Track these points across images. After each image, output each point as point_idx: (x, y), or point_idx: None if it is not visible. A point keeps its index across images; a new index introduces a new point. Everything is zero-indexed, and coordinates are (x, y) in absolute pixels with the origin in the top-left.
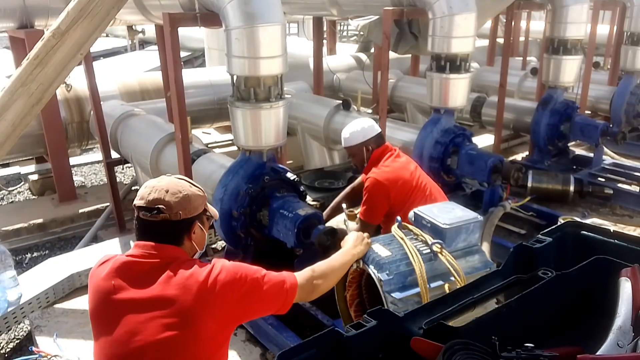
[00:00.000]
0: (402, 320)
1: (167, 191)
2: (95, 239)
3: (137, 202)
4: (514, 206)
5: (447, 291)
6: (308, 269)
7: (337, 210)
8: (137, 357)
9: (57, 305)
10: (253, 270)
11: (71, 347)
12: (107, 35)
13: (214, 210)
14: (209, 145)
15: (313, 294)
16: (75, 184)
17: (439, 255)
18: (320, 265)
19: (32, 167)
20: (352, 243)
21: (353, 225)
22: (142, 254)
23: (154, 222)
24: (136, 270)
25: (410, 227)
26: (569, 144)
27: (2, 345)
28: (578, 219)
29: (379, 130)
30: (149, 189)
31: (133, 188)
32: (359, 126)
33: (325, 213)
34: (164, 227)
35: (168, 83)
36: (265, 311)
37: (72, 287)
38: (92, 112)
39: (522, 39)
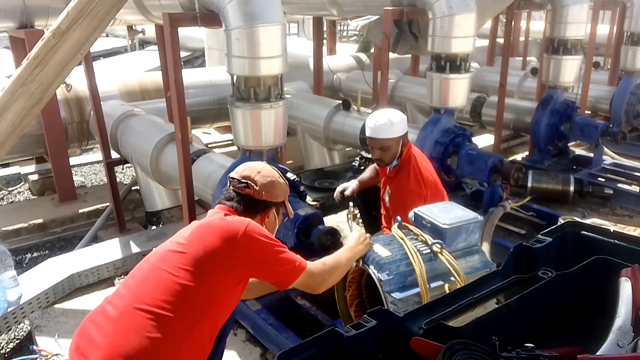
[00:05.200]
0: (402, 320)
1: (259, 172)
2: (95, 239)
3: (232, 174)
4: (514, 206)
5: (447, 291)
6: (319, 262)
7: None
8: (151, 277)
9: (57, 305)
10: (274, 238)
11: None
12: (107, 35)
13: (291, 209)
14: (209, 145)
15: (322, 287)
16: (75, 184)
17: (439, 255)
18: (329, 260)
19: (32, 167)
20: (354, 242)
21: (355, 225)
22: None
23: (239, 193)
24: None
25: (410, 227)
26: (569, 144)
27: (2, 345)
28: (578, 219)
29: None
30: (246, 167)
31: (133, 188)
32: (397, 116)
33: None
34: (245, 200)
35: (168, 83)
36: (270, 276)
37: (72, 287)
38: (92, 112)
39: (522, 39)
